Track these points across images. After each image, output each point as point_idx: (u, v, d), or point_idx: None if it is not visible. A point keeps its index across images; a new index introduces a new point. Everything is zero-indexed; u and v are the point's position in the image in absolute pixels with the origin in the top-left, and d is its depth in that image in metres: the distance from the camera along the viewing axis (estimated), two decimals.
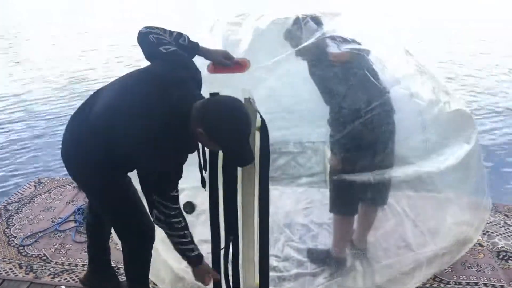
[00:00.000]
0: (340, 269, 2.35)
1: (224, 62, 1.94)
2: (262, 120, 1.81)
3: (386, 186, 2.24)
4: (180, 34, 1.88)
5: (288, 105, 2.97)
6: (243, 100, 1.73)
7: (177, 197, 1.69)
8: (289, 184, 3.27)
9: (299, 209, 2.92)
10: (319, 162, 3.31)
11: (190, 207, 1.87)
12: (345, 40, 2.17)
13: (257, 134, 1.85)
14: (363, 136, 2.12)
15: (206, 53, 1.94)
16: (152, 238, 1.96)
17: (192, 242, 1.79)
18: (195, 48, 1.90)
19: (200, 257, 1.82)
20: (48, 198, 3.34)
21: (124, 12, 17.39)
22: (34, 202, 3.31)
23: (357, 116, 2.07)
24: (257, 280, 2.05)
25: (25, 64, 9.18)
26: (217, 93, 1.74)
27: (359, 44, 2.16)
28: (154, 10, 15.49)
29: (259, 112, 1.79)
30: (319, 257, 2.45)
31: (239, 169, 1.88)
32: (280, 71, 2.19)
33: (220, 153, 1.85)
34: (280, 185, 3.18)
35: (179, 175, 1.66)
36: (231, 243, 1.96)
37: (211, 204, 1.95)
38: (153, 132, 1.57)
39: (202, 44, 1.95)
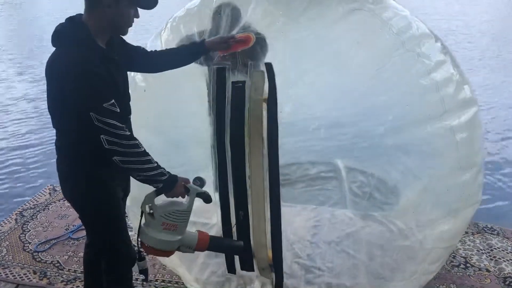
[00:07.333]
0: None
1: (227, 45, 1.99)
2: (271, 89, 1.83)
3: None
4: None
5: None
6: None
7: (117, 113, 1.62)
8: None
9: (308, 226, 2.95)
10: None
11: (200, 181, 1.88)
12: None
13: (264, 107, 1.87)
14: None
15: (210, 45, 1.99)
16: (132, 260, 1.95)
17: (160, 166, 1.71)
18: (202, 44, 1.99)
19: (174, 177, 1.75)
20: (63, 206, 3.41)
21: None
22: (49, 209, 3.39)
23: None
24: (269, 253, 2.09)
25: None
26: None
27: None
28: None
29: (272, 79, 1.84)
30: None
31: (246, 143, 1.92)
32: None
33: (228, 129, 1.91)
34: (289, 202, 3.23)
35: (101, 80, 1.60)
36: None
37: (220, 180, 2.00)
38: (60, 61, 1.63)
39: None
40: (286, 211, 3.01)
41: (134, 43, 1.95)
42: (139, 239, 1.83)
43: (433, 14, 13.54)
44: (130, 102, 1.87)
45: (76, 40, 1.63)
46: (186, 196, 1.82)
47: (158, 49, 2.15)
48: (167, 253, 1.86)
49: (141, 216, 1.82)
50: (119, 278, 1.96)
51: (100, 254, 1.96)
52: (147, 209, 1.79)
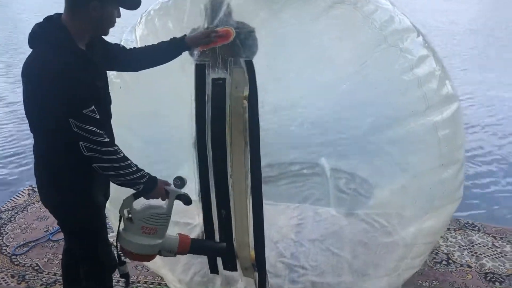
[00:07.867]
0: None
1: (208, 40, 1.91)
2: (252, 86, 1.81)
3: None
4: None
5: None
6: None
7: (97, 119, 1.57)
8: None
9: (291, 224, 2.94)
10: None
11: (181, 180, 1.86)
12: None
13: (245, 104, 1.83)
14: None
15: (191, 41, 1.91)
16: (113, 267, 1.92)
17: (139, 168, 1.68)
18: (182, 40, 1.92)
19: (154, 179, 1.74)
20: (42, 207, 3.31)
21: None
22: (27, 210, 3.31)
23: None
24: (252, 253, 2.06)
25: None
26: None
27: None
28: None
29: (252, 76, 1.80)
30: None
31: (227, 141, 1.88)
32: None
33: (209, 127, 1.87)
34: (272, 199, 3.22)
35: (82, 85, 1.54)
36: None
37: (202, 179, 1.96)
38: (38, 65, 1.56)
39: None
40: (269, 209, 2.99)
41: (108, 38, 1.89)
42: (118, 244, 1.79)
43: (420, 11, 13.69)
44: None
45: (54, 42, 1.56)
46: (166, 198, 1.79)
47: (133, 43, 2.11)
48: (148, 258, 1.82)
49: (120, 221, 1.78)
50: (98, 285, 1.91)
51: (78, 261, 1.91)
52: (126, 213, 1.75)
